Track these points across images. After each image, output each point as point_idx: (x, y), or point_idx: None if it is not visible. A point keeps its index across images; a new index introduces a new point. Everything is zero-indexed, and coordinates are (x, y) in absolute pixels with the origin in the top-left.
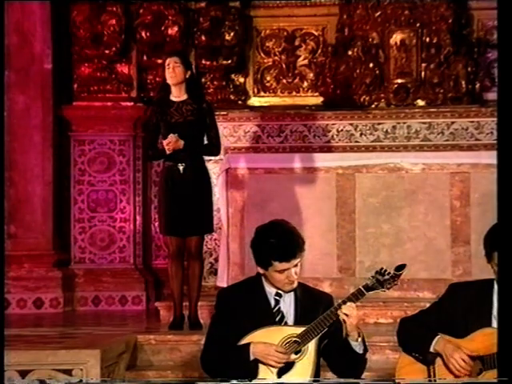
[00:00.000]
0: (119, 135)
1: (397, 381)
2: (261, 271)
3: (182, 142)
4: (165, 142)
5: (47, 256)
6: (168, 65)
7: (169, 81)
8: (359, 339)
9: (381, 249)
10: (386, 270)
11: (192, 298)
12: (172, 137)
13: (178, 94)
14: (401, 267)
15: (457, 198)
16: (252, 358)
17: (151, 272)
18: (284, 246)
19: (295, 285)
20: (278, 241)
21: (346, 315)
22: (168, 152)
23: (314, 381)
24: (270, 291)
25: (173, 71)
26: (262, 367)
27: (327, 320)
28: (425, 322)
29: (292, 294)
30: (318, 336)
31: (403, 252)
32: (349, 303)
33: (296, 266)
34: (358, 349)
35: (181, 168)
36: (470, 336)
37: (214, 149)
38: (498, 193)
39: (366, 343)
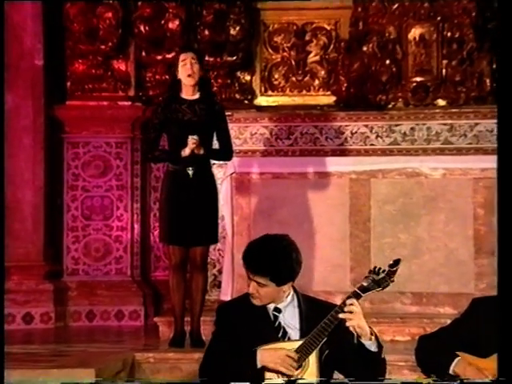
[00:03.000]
0: (116, 137)
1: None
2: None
3: (202, 148)
4: (189, 141)
5: (38, 267)
6: (184, 61)
7: (185, 79)
8: (372, 337)
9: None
10: (380, 268)
11: (194, 313)
12: (196, 138)
13: (190, 93)
14: (395, 263)
15: (480, 206)
16: (259, 365)
17: (150, 285)
18: (250, 255)
19: (258, 302)
20: (249, 248)
21: (351, 313)
22: (185, 154)
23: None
24: (269, 306)
25: (191, 68)
26: (268, 376)
27: (326, 329)
28: (445, 340)
29: (296, 307)
30: (318, 347)
31: (422, 264)
32: (349, 301)
33: (259, 283)
34: (374, 347)
35: (190, 172)
36: (494, 355)
37: (227, 153)
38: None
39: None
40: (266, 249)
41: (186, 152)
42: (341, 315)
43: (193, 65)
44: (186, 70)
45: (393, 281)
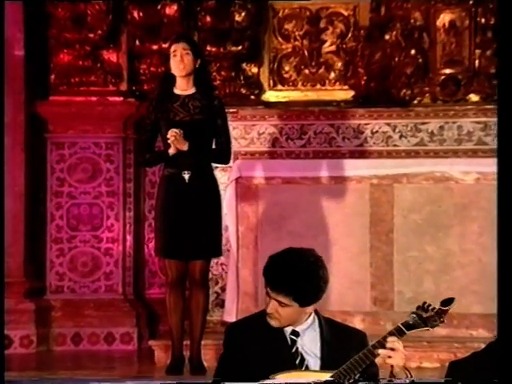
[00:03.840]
0: (106, 137)
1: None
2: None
3: (186, 144)
4: (169, 136)
5: (17, 284)
6: (174, 52)
7: (176, 72)
8: (407, 381)
9: (424, 276)
10: (429, 305)
11: (194, 336)
12: (176, 131)
13: (184, 87)
14: (448, 301)
15: None
16: None
17: (144, 304)
18: (272, 270)
19: (276, 323)
20: (271, 262)
21: (392, 350)
22: (171, 152)
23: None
24: (286, 328)
25: (181, 60)
26: None
27: (360, 364)
28: (478, 366)
29: (316, 331)
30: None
31: (452, 281)
32: (391, 338)
33: (281, 303)
34: None
35: (186, 177)
36: None
37: (224, 155)
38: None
39: None
40: (290, 265)
41: (171, 150)
42: (381, 351)
43: (183, 56)
44: (177, 61)
45: (443, 321)
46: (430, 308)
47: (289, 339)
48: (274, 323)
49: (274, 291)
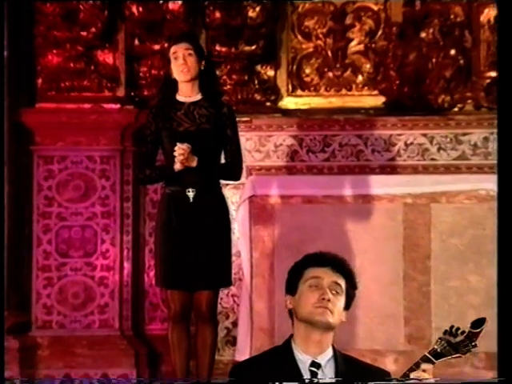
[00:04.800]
0: (101, 150)
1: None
2: (289, 305)
3: (195, 159)
4: (176, 153)
5: None
6: (175, 54)
7: (177, 76)
8: None
9: (467, 310)
10: (458, 329)
11: (201, 378)
12: (184, 146)
13: (188, 93)
14: (479, 322)
15: None
16: None
17: (144, 341)
18: (322, 253)
19: (330, 317)
20: (316, 252)
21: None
22: (177, 168)
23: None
24: (303, 359)
25: (184, 63)
26: None
27: None
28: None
29: (332, 365)
30: None
31: None
32: (424, 365)
33: (336, 284)
34: None
35: (191, 195)
36: None
37: (235, 170)
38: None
39: None
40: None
41: (177, 166)
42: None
43: (186, 57)
44: (178, 64)
45: (475, 346)
46: (460, 332)
47: (308, 373)
48: (325, 318)
49: (330, 268)
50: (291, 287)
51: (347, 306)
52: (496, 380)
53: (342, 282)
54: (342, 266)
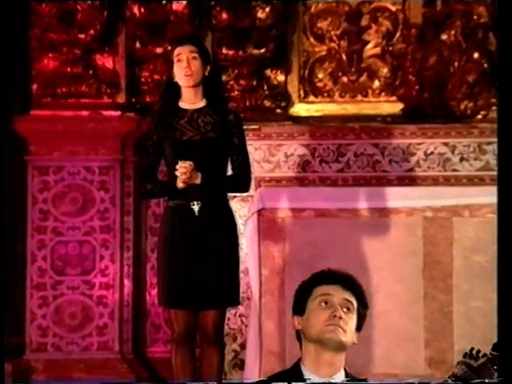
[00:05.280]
0: (100, 160)
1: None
2: (297, 325)
3: (199, 176)
4: (178, 171)
5: None
6: (178, 56)
7: (180, 81)
8: None
9: (491, 332)
10: (479, 351)
11: None
12: (186, 164)
13: (191, 99)
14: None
15: None
16: None
17: (145, 364)
18: (331, 271)
19: (342, 336)
20: (325, 270)
21: None
22: (180, 186)
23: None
24: (314, 381)
25: (187, 67)
26: None
27: None
28: None
29: None
30: None
31: None
32: None
33: (348, 301)
34: None
35: (195, 209)
36: None
37: (242, 182)
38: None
39: None
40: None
41: (179, 184)
42: None
43: (190, 61)
44: (182, 68)
45: (497, 369)
46: (481, 355)
47: None
48: (336, 336)
49: (343, 287)
50: (299, 307)
51: (359, 327)
52: (496, 380)
53: (353, 300)
54: (352, 284)
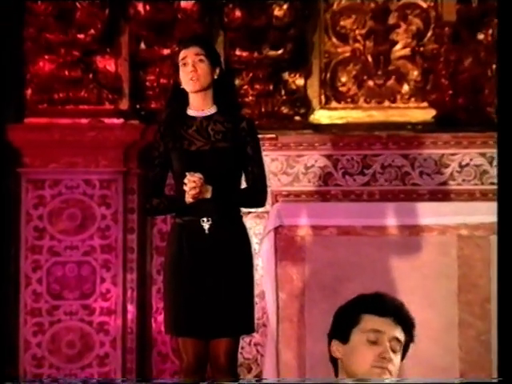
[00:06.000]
0: (100, 173)
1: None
2: (337, 353)
3: (209, 189)
4: (187, 186)
5: None
6: (184, 59)
7: (186, 86)
8: None
9: None
10: None
11: None
12: (196, 178)
13: (200, 106)
14: None
15: None
16: None
17: None
18: (381, 298)
19: (388, 377)
20: (374, 294)
21: None
22: (189, 201)
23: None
24: None
25: (193, 70)
26: None
27: None
28: None
29: None
30: None
31: None
32: None
33: (397, 340)
34: None
35: (205, 226)
36: None
37: (257, 196)
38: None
39: None
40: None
41: (187, 197)
42: None
43: (196, 64)
44: (187, 72)
45: None
46: None
47: None
48: (383, 372)
49: (394, 321)
50: (341, 332)
51: (402, 358)
52: (496, 380)
53: (403, 337)
54: (404, 317)
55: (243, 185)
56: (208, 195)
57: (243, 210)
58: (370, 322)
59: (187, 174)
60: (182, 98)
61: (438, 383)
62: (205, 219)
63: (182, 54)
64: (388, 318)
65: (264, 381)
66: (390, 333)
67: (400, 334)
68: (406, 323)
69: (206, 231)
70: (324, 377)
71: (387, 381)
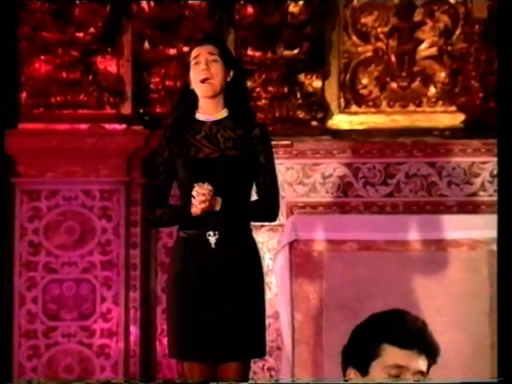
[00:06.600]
0: (101, 182)
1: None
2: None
3: (219, 201)
4: (196, 199)
5: None
6: (196, 58)
7: (197, 88)
8: None
9: None
10: None
11: None
12: (205, 190)
13: (210, 110)
14: None
15: None
16: None
17: None
18: (406, 327)
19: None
20: (394, 316)
21: None
22: (196, 213)
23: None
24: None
25: (206, 69)
26: None
27: None
28: None
29: None
30: None
31: None
32: None
33: (420, 375)
34: None
35: (212, 240)
36: None
37: (269, 208)
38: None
39: None
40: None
41: (194, 210)
42: None
43: (209, 64)
44: (199, 71)
45: None
46: None
47: None
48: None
49: (419, 353)
50: (359, 362)
51: (428, 370)
52: (496, 380)
53: (426, 366)
54: (428, 343)
55: (253, 196)
56: (217, 208)
57: (254, 223)
58: (391, 355)
59: (196, 185)
60: (190, 100)
61: (438, 383)
62: (211, 233)
63: (195, 51)
64: (412, 350)
65: None
66: (414, 367)
67: (424, 365)
68: (431, 350)
69: (213, 246)
70: None
71: (387, 381)
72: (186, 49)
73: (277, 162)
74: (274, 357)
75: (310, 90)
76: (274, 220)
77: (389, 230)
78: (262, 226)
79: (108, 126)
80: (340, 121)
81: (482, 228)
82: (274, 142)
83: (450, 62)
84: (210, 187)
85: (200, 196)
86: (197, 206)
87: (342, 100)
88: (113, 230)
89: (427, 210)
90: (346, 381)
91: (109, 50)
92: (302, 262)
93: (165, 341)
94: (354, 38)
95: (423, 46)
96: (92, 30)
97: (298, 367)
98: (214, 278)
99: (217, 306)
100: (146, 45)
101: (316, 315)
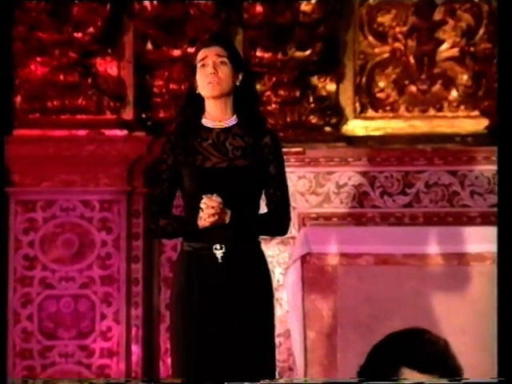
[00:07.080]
0: (101, 192)
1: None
2: None
3: (229, 214)
4: (204, 212)
5: None
6: (203, 60)
7: (204, 91)
8: None
9: None
10: None
11: None
12: (214, 203)
13: (218, 116)
14: None
15: None
16: None
17: None
18: (426, 350)
19: None
20: (414, 336)
21: None
22: (203, 226)
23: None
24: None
25: (214, 72)
26: None
27: None
28: None
29: None
30: None
31: None
32: None
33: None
34: None
35: (218, 254)
36: None
37: (279, 221)
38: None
39: None
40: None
41: (203, 223)
42: None
43: (217, 66)
44: (206, 74)
45: None
46: None
47: None
48: None
49: (440, 376)
50: None
51: None
52: (496, 380)
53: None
54: (452, 372)
55: (263, 209)
56: (226, 220)
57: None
58: (411, 380)
59: (204, 196)
60: (197, 105)
61: None
62: (218, 246)
63: (202, 53)
64: (433, 375)
65: None
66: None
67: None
68: (454, 374)
69: (219, 260)
70: None
71: (387, 381)
72: (191, 50)
73: (288, 170)
74: (285, 380)
75: (324, 93)
76: (285, 234)
77: (407, 242)
78: (272, 238)
79: (108, 132)
80: (355, 126)
81: None
82: (285, 150)
83: (473, 64)
84: (219, 199)
85: (209, 209)
86: (205, 219)
87: (357, 104)
88: (113, 243)
89: (448, 221)
90: None
91: (109, 51)
92: (314, 276)
93: (168, 361)
94: (371, 38)
95: (444, 46)
96: (91, 29)
97: None
98: (220, 294)
99: (223, 324)
100: (149, 46)
101: (330, 334)
